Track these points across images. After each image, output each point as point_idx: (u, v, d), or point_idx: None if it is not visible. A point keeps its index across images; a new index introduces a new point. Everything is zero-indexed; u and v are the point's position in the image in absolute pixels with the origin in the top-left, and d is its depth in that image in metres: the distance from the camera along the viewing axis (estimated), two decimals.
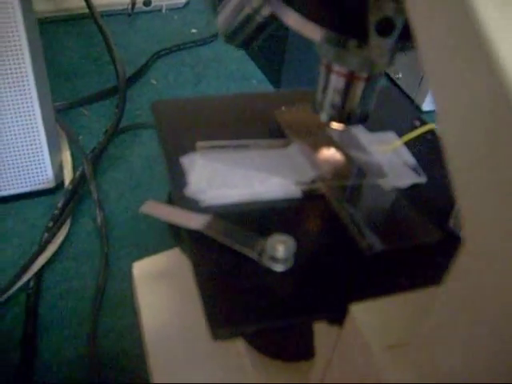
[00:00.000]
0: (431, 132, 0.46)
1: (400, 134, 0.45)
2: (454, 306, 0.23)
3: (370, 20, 0.30)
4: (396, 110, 0.50)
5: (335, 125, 0.39)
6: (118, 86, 0.83)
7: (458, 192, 0.21)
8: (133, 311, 0.57)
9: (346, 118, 0.38)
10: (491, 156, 0.19)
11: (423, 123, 0.47)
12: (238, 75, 0.99)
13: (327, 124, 0.39)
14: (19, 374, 0.51)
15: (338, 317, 0.31)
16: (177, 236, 0.39)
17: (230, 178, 0.38)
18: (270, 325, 0.32)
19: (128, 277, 0.60)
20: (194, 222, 0.35)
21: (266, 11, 0.37)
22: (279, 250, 0.33)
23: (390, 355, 0.28)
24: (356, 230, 0.35)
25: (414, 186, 0.40)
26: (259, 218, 0.37)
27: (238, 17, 0.39)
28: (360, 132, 0.44)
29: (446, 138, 0.21)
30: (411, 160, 0.42)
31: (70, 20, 1.04)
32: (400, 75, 0.97)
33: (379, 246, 0.34)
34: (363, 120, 0.38)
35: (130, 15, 1.07)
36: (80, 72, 0.94)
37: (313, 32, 0.33)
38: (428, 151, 0.44)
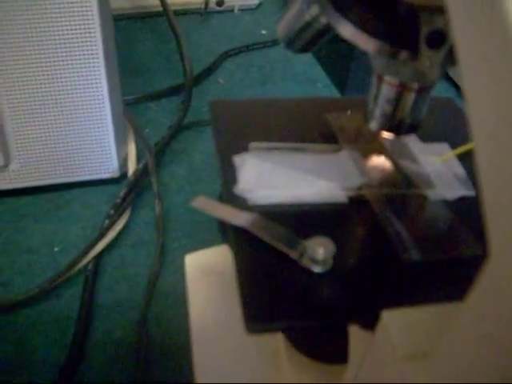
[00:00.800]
0: None
1: (455, 147, 0.45)
2: (473, 322, 0.23)
3: (421, 32, 0.31)
4: (454, 122, 0.50)
5: (385, 134, 0.39)
6: (184, 83, 0.86)
7: (487, 208, 0.21)
8: (183, 301, 0.59)
9: (396, 128, 0.38)
10: None
11: None
12: (304, 78, 1.00)
13: (377, 132, 0.40)
14: (72, 350, 0.55)
15: (370, 322, 0.32)
16: (224, 232, 0.41)
17: (278, 178, 0.40)
18: (303, 324, 0.33)
19: (181, 268, 0.62)
20: (240, 219, 0.37)
21: (324, 19, 0.38)
22: (319, 252, 0.34)
23: (413, 364, 0.28)
24: (396, 238, 0.36)
25: (462, 199, 0.40)
26: (303, 220, 0.38)
27: (298, 24, 0.40)
28: (413, 142, 0.44)
29: (480, 160, 0.21)
30: (462, 173, 0.42)
31: (146, 17, 1.08)
32: None
33: (417, 255, 0.34)
34: (413, 130, 0.38)
35: (202, 15, 1.10)
36: (152, 68, 0.98)
37: (366, 43, 0.34)
38: None
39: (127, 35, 1.04)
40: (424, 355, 0.28)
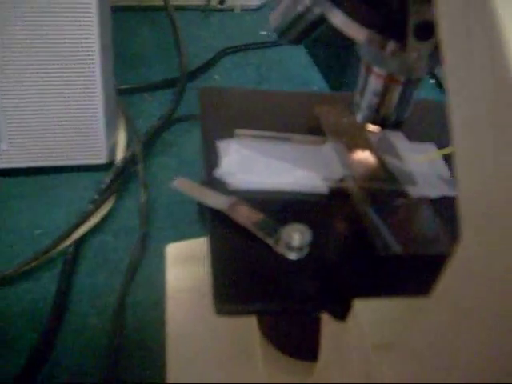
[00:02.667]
0: None
1: (442, 148, 0.45)
2: (441, 313, 0.23)
3: (410, 23, 0.31)
4: (443, 124, 0.50)
5: (371, 127, 0.39)
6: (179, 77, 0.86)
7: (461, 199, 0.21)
8: (162, 290, 0.59)
9: (381, 122, 0.38)
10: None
11: None
12: (300, 80, 1.00)
13: (364, 126, 0.39)
14: (44, 334, 0.54)
15: (341, 312, 0.31)
16: (201, 216, 0.40)
17: (260, 165, 0.39)
18: (272, 307, 0.32)
19: (163, 257, 0.62)
20: (218, 201, 0.36)
21: (317, 9, 0.38)
22: (295, 238, 0.34)
23: (379, 353, 0.28)
24: (374, 230, 0.35)
25: (444, 199, 0.40)
26: (282, 207, 0.37)
27: (291, 14, 0.40)
28: (399, 139, 0.44)
29: (457, 153, 0.21)
30: (446, 173, 0.42)
31: (147, 10, 1.08)
32: None
33: (394, 248, 0.34)
34: (398, 125, 0.38)
35: (203, 11, 1.11)
36: (150, 60, 0.98)
37: (357, 32, 0.34)
38: None
39: (128, 27, 1.04)
40: (390, 346, 0.28)
